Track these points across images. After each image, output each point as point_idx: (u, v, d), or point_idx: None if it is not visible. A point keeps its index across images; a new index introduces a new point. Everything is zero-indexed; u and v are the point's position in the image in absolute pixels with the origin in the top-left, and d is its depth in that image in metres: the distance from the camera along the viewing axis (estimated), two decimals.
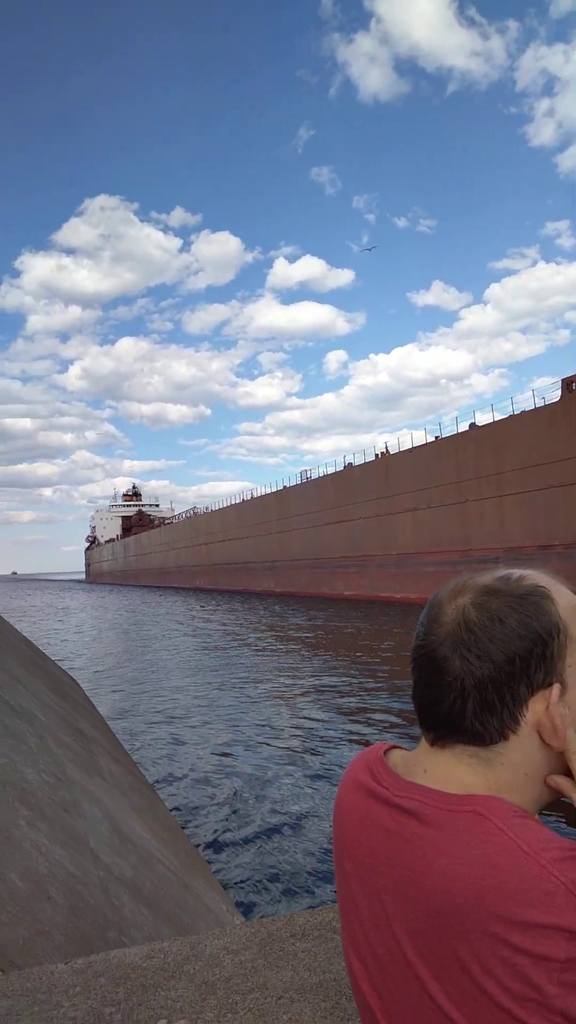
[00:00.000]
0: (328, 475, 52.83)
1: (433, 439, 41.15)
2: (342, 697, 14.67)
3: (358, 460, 52.95)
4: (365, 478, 46.43)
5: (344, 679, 16.80)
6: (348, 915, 0.88)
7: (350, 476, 48.91)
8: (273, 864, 6.54)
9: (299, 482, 58.24)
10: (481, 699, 0.75)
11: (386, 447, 46.72)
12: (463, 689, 0.76)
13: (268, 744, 11.10)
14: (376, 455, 46.55)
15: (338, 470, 51.48)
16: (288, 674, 17.89)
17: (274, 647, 23.57)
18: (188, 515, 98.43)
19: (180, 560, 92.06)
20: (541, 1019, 0.66)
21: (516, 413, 33.78)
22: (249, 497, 70.48)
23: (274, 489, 62.67)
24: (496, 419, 35.43)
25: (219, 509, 78.26)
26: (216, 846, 7.02)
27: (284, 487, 60.78)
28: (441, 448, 39.33)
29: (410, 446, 43.27)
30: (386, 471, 44.00)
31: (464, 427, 38.92)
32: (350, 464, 49.99)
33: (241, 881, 6.20)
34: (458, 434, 38.36)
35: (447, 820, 0.74)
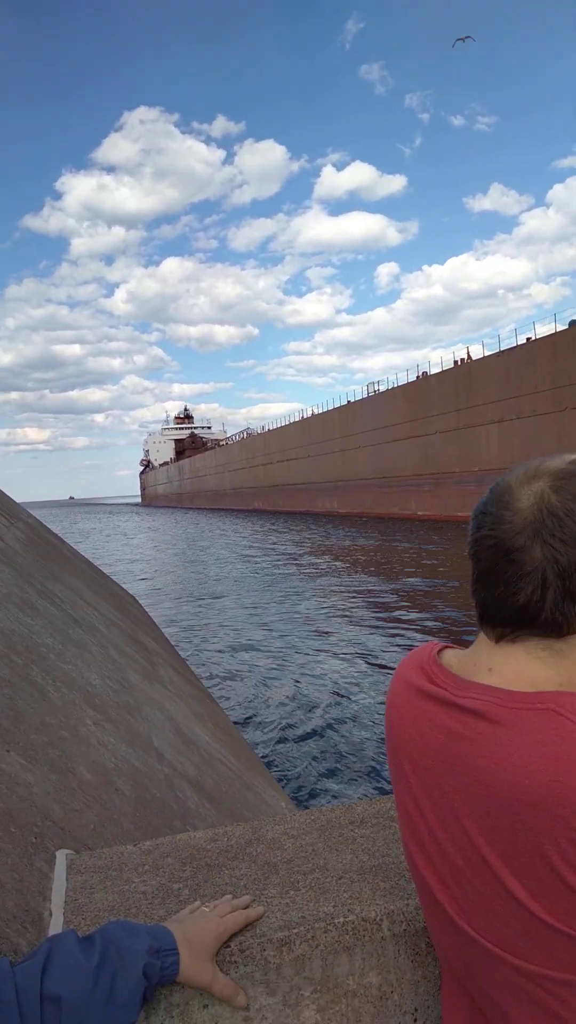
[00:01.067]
0: (399, 387, 48.17)
1: (524, 340, 36.66)
2: (403, 608, 14.80)
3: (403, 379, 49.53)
4: (443, 388, 41.94)
5: (411, 593, 16.88)
6: (409, 812, 0.88)
7: (425, 386, 44.44)
8: (329, 764, 6.81)
9: (365, 396, 54.20)
10: (563, 588, 0.71)
11: (468, 352, 42.11)
12: (544, 578, 0.72)
13: (322, 653, 11.38)
14: (455, 361, 41.83)
15: (410, 380, 46.86)
16: (351, 590, 18.03)
17: (337, 566, 23.58)
18: (242, 436, 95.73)
19: (236, 482, 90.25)
20: None
21: None
22: (308, 415, 67.79)
23: (337, 405, 59.25)
24: None
25: (278, 428, 75.18)
26: (273, 749, 7.32)
27: (348, 402, 56.81)
28: (536, 350, 34.89)
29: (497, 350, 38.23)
30: (468, 379, 39.28)
31: (556, 328, 34.20)
32: (425, 373, 45.51)
33: (298, 782, 6.48)
34: (556, 333, 33.98)
35: (518, 718, 0.72)
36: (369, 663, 10.74)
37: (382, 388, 52.04)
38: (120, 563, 29.79)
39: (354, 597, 16.76)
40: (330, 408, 60.47)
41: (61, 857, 1.30)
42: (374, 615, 14.42)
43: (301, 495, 65.97)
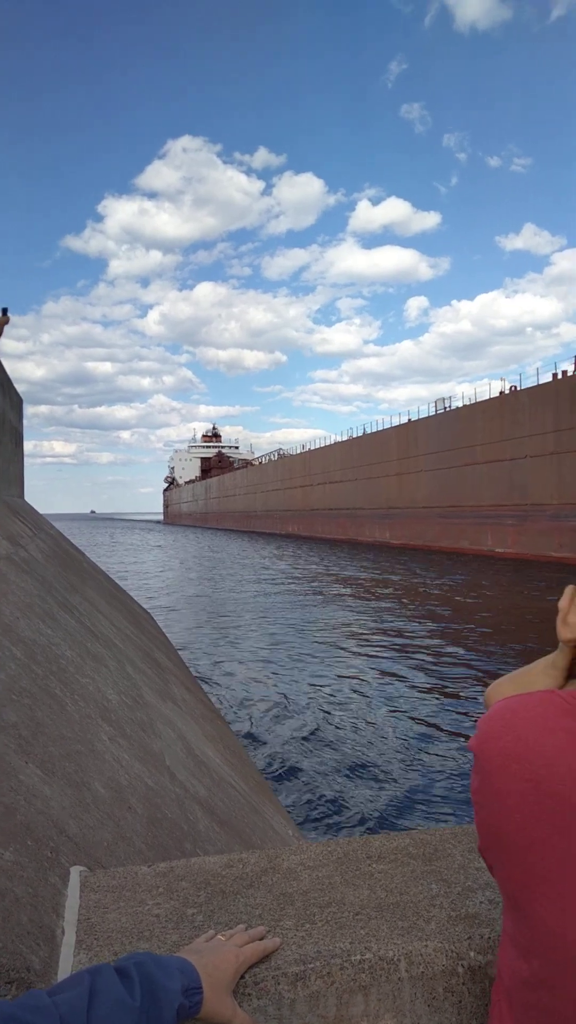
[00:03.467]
0: (478, 403, 42.05)
1: None
2: (456, 661, 14.56)
3: (424, 412, 46.01)
4: (537, 405, 36.11)
5: (478, 640, 16.58)
6: None
7: (513, 403, 38.63)
8: (338, 795, 6.71)
9: (432, 413, 47.12)
10: None
11: (575, 363, 37.03)
12: None
13: (342, 689, 11.27)
14: (555, 375, 36.50)
15: (493, 396, 41.30)
16: (400, 634, 17.53)
17: (384, 604, 22.67)
18: (274, 456, 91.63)
19: (269, 504, 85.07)
20: None
21: None
22: (332, 440, 63.63)
23: (395, 423, 52.15)
24: None
25: (320, 447, 68.72)
26: (281, 776, 7.24)
27: (409, 420, 49.83)
28: None
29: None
30: (572, 396, 34.02)
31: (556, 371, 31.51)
32: (514, 388, 40.19)
33: (304, 810, 6.39)
34: None
35: None
36: (390, 705, 10.63)
37: (456, 405, 45.14)
38: (136, 578, 29.87)
39: (398, 638, 16.37)
40: (387, 427, 53.43)
41: (75, 874, 1.29)
42: (421, 657, 14.21)
43: (345, 522, 59.94)
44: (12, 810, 1.34)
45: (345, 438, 61.83)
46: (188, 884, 1.25)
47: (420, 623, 17.21)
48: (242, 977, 0.98)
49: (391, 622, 17.52)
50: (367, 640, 15.23)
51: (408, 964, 1.05)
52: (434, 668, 12.33)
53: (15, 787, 1.42)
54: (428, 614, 18.55)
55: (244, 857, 1.35)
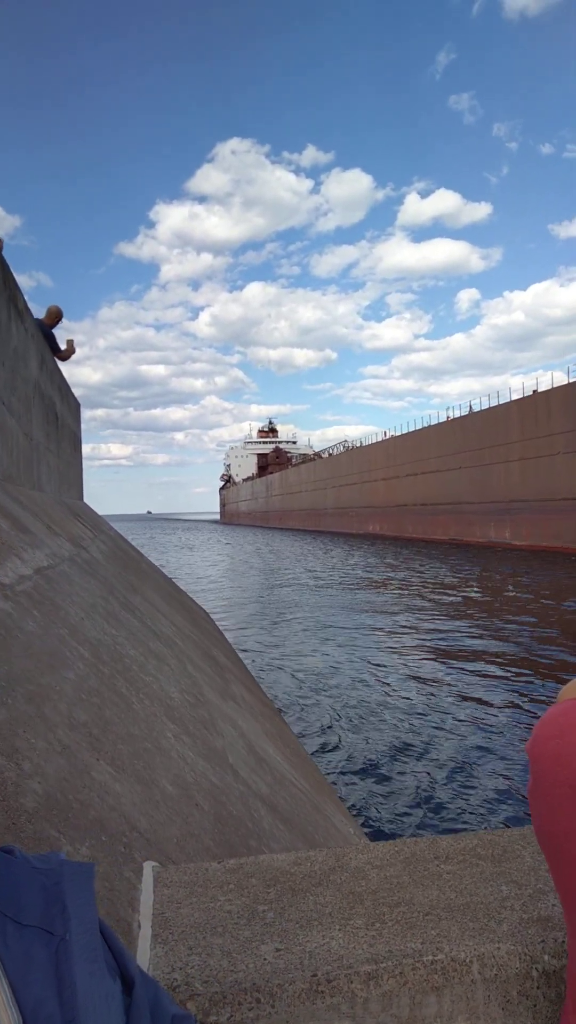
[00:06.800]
0: None
1: None
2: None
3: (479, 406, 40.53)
4: None
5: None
6: None
7: None
8: (398, 794, 6.67)
9: (568, 382, 38.19)
10: None
11: None
12: None
13: (400, 679, 11.19)
14: None
15: None
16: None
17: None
18: (340, 448, 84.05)
19: (342, 500, 75.40)
20: None
21: None
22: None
23: (515, 397, 43.22)
24: None
25: (407, 433, 59.29)
26: (341, 775, 7.23)
27: (534, 392, 41.33)
28: None
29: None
30: None
31: None
32: None
33: (365, 810, 6.37)
34: None
35: None
36: (455, 709, 10.52)
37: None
38: (192, 578, 30.23)
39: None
40: (504, 401, 44.35)
41: (148, 869, 1.32)
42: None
43: (446, 519, 50.24)
44: (87, 806, 1.38)
45: (443, 419, 52.62)
46: (257, 881, 1.27)
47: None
48: (314, 975, 0.99)
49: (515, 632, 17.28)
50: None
51: (481, 966, 1.04)
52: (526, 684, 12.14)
53: (88, 784, 1.47)
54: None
55: (312, 855, 1.36)
